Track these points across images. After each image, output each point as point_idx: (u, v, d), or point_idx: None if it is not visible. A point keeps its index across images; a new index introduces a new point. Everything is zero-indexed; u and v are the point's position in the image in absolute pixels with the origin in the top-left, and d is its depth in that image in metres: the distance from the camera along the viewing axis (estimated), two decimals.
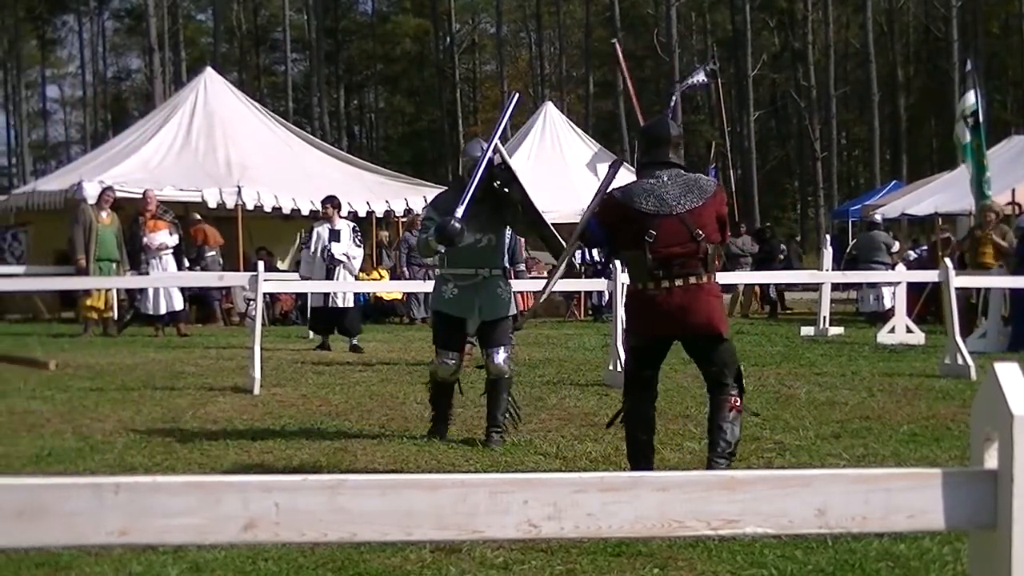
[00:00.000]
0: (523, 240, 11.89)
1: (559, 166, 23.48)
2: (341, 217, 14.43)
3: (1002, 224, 15.81)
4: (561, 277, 6.71)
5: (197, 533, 2.18)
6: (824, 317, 16.34)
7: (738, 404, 5.85)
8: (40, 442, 7.26)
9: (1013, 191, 18.95)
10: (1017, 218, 16.86)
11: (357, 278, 14.86)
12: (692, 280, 5.73)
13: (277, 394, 9.60)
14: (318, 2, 52.93)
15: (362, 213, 19.86)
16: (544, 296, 6.74)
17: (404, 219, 20.81)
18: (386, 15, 60.38)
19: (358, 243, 14.21)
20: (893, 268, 16.29)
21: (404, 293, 19.47)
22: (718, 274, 5.98)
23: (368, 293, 18.47)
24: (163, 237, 16.22)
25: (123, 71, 64.41)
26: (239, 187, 19.09)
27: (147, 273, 15.84)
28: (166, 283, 15.75)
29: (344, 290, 13.81)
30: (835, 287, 19.40)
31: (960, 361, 10.48)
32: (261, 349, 10.09)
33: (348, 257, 13.91)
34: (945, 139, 41.12)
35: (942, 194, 22.15)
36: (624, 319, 6.15)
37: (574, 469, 6.33)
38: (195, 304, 18.74)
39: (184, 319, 16.76)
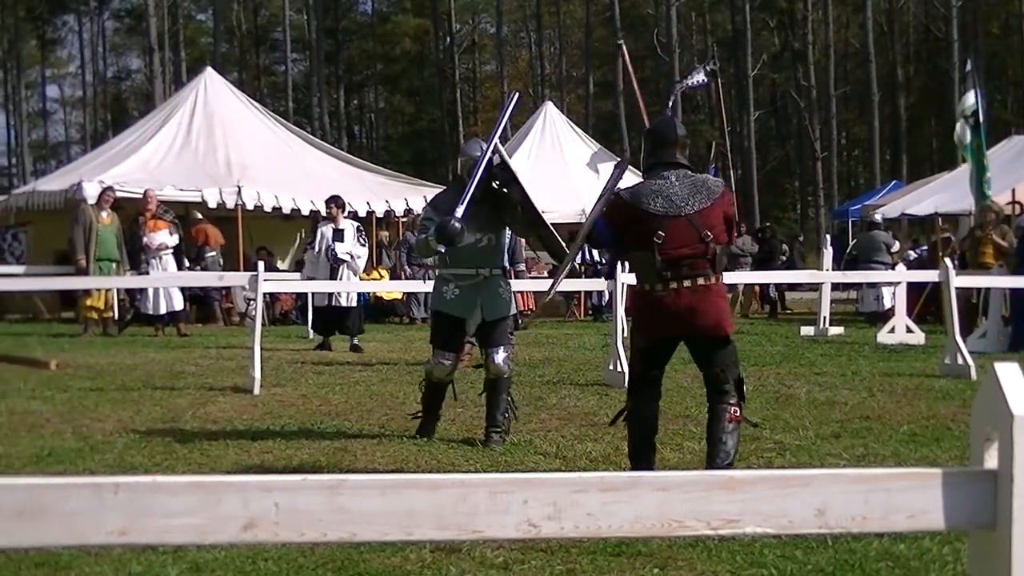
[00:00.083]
0: (523, 240, 11.89)
1: (559, 166, 23.48)
2: (345, 217, 14.44)
3: (1002, 224, 15.82)
4: (569, 277, 6.71)
5: (197, 533, 2.18)
6: (824, 317, 16.34)
7: (737, 415, 5.83)
8: (40, 442, 7.26)
9: (1013, 191, 18.95)
10: (1017, 218, 16.86)
11: (360, 278, 14.88)
12: (700, 281, 5.72)
13: (277, 394, 9.60)
14: (318, 2, 52.93)
15: (362, 213, 19.86)
16: (548, 296, 6.75)
17: (404, 219, 20.82)
18: (386, 15, 60.38)
19: (362, 242, 14.22)
20: (893, 268, 16.29)
21: (404, 293, 19.48)
22: None
23: (368, 293, 18.49)
24: (163, 237, 16.22)
25: (123, 71, 64.47)
26: (239, 187, 19.10)
27: (147, 273, 15.85)
28: (166, 283, 15.75)
29: (345, 290, 13.81)
30: (835, 287, 19.41)
31: (960, 361, 10.48)
32: (261, 349, 10.09)
33: (352, 256, 13.91)
34: (945, 139, 41.13)
35: (942, 194, 22.15)
36: (631, 319, 6.12)
37: (574, 469, 6.33)
38: (195, 304, 18.74)
39: (184, 319, 16.77)
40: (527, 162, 22.49)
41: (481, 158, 7.14)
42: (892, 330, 14.40)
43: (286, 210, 19.99)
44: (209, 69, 23.24)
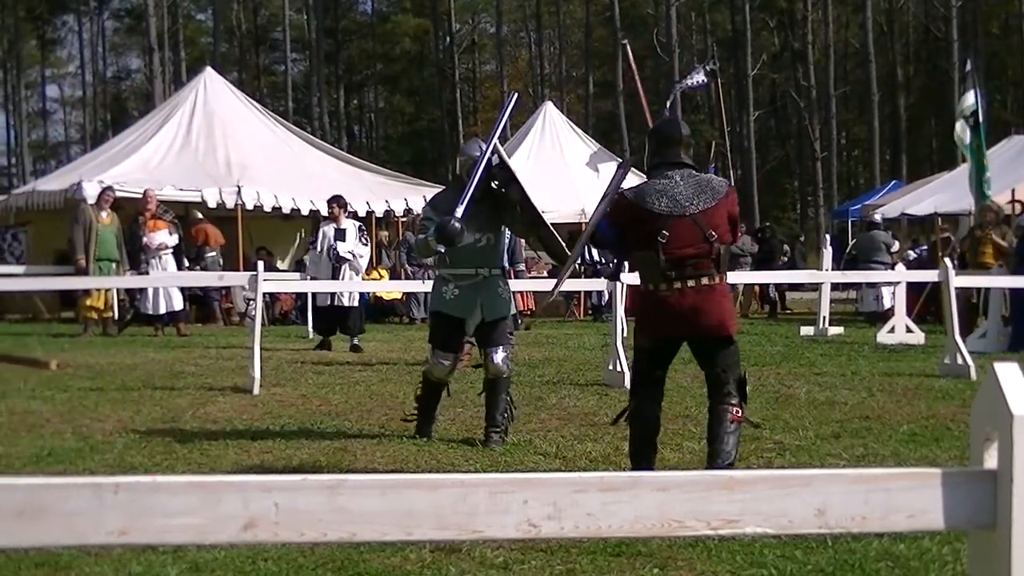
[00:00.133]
0: (523, 240, 11.88)
1: (559, 166, 23.48)
2: (347, 216, 14.44)
3: (1002, 224, 15.82)
4: (576, 277, 6.70)
5: (197, 533, 2.18)
6: (824, 317, 16.34)
7: (739, 415, 5.82)
8: (40, 442, 7.26)
9: (1013, 191, 18.95)
10: (1017, 218, 16.86)
11: (362, 278, 14.89)
12: (704, 281, 5.70)
13: (277, 394, 9.60)
14: (318, 2, 52.93)
15: (362, 213, 19.86)
16: (552, 296, 6.75)
17: (404, 219, 20.82)
18: (386, 15, 60.38)
19: (364, 242, 14.22)
20: (893, 268, 16.29)
21: (404, 293, 19.47)
22: None
23: (368, 293, 18.49)
24: (163, 237, 16.22)
25: (123, 71, 64.47)
26: (239, 187, 19.10)
27: (147, 273, 15.85)
28: (166, 283, 15.75)
29: (346, 290, 13.80)
30: (835, 287, 19.41)
31: (960, 361, 10.48)
32: (261, 349, 10.09)
33: (354, 255, 13.91)
34: (945, 139, 41.16)
35: (942, 194, 22.15)
36: (635, 319, 6.10)
37: (574, 469, 6.33)
38: (195, 304, 18.75)
39: (184, 319, 16.77)
40: (527, 162, 22.49)
41: (480, 158, 7.13)
42: (892, 330, 14.40)
43: (286, 210, 19.99)
44: (209, 69, 23.25)
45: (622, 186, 6.07)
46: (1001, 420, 2.29)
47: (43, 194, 19.85)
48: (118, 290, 16.89)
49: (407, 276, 18.76)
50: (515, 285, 11.64)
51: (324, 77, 54.11)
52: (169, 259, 16.29)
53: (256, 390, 9.56)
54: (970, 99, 16.29)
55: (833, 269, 17.89)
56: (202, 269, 17.76)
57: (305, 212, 19.99)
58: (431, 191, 19.40)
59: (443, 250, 7.19)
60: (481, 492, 2.23)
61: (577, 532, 2.27)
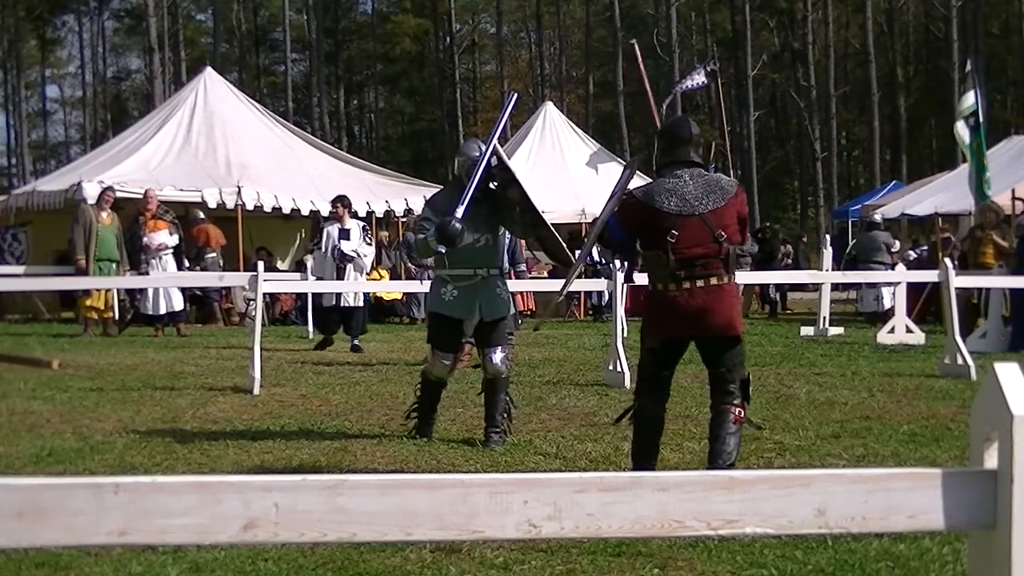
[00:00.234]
0: (523, 240, 11.88)
1: (559, 166, 23.48)
2: (351, 216, 14.43)
3: (1003, 224, 15.82)
4: (578, 277, 6.67)
5: (197, 533, 2.18)
6: (824, 317, 16.33)
7: (741, 416, 5.80)
8: (40, 442, 7.26)
9: (1013, 191, 18.96)
10: (1018, 218, 16.87)
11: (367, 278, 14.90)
12: (713, 281, 5.68)
13: (277, 394, 9.60)
14: (318, 2, 52.94)
15: (362, 213, 19.85)
16: (560, 296, 6.75)
17: (404, 219, 20.81)
18: (386, 15, 60.36)
19: (368, 241, 14.23)
20: (893, 268, 16.29)
21: (404, 293, 19.47)
22: None
23: (369, 293, 18.49)
24: (163, 237, 16.23)
25: (123, 71, 64.47)
26: (239, 187, 19.11)
27: (147, 273, 15.85)
28: (166, 283, 15.75)
29: (347, 290, 13.80)
30: (835, 287, 19.40)
31: (960, 361, 10.48)
32: (261, 349, 10.08)
33: (358, 255, 13.91)
34: (945, 139, 41.16)
35: (942, 194, 22.15)
36: (642, 319, 6.08)
37: (574, 469, 6.33)
38: (195, 304, 18.75)
39: (184, 319, 16.77)
40: (527, 162, 22.49)
41: (480, 159, 7.12)
42: (892, 330, 14.40)
43: (286, 210, 19.99)
44: (209, 69, 23.25)
45: (629, 186, 6.06)
46: (1001, 420, 2.30)
47: (43, 194, 19.85)
48: (118, 290, 16.89)
49: (408, 276, 18.75)
50: (516, 285, 11.65)
51: (324, 77, 54.12)
52: (169, 259, 16.30)
53: (256, 390, 9.56)
54: (970, 99, 16.29)
55: (833, 269, 17.89)
56: (202, 270, 17.76)
57: (305, 212, 19.99)
58: (431, 191, 19.36)
59: (443, 251, 7.18)
60: (481, 492, 2.23)
61: (577, 532, 2.27)
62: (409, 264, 19.21)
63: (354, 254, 13.83)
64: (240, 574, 4.48)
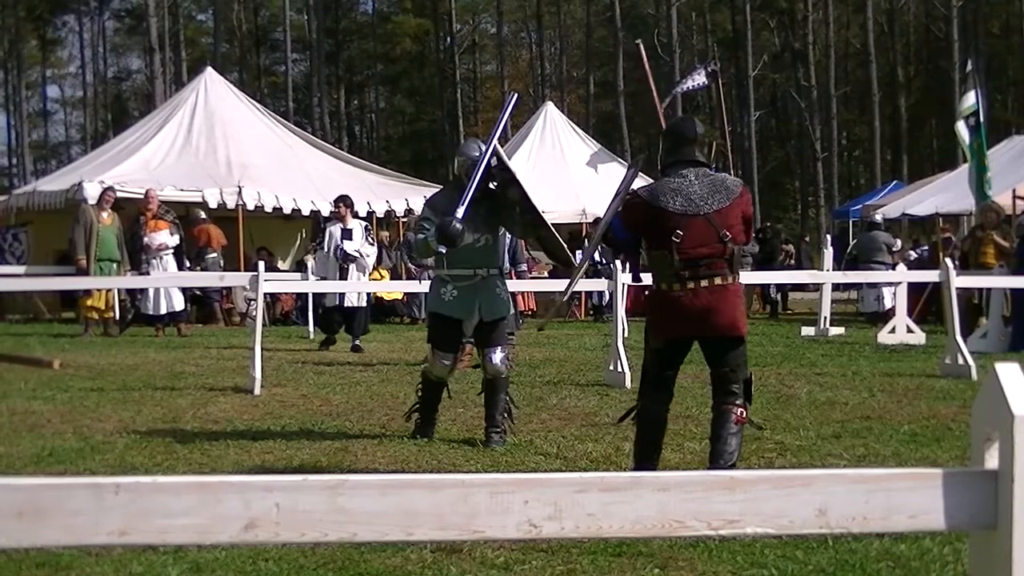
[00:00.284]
0: (523, 240, 11.89)
1: (559, 166, 23.49)
2: (353, 216, 14.43)
3: (1004, 224, 15.82)
4: (582, 277, 6.65)
5: (198, 533, 2.18)
6: (825, 317, 16.33)
7: (743, 417, 5.79)
8: (41, 442, 7.26)
9: (1014, 191, 18.96)
10: (1018, 217, 16.87)
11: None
12: (717, 281, 5.67)
13: (278, 394, 9.60)
14: (318, 2, 52.93)
15: (363, 213, 19.86)
16: (565, 296, 6.75)
17: (405, 219, 20.81)
18: (387, 15, 60.36)
19: (371, 241, 14.23)
20: (894, 268, 16.29)
21: (405, 293, 19.47)
22: None
23: (370, 293, 18.49)
24: (163, 237, 16.23)
25: (123, 71, 64.48)
26: (239, 187, 19.11)
27: (147, 273, 15.85)
28: (167, 283, 15.75)
29: (347, 290, 13.80)
30: (836, 287, 19.41)
31: (961, 361, 10.47)
32: (262, 349, 10.09)
33: (361, 254, 13.91)
34: (945, 139, 41.15)
35: (943, 194, 22.15)
36: (645, 319, 6.06)
37: (575, 469, 6.33)
38: (196, 304, 18.75)
39: (185, 319, 16.78)
40: (527, 162, 22.50)
41: (480, 159, 7.12)
42: (893, 330, 14.40)
43: (287, 210, 19.99)
44: (209, 69, 23.25)
45: (633, 186, 6.05)
46: (1002, 420, 2.29)
47: (44, 194, 19.85)
48: (119, 290, 16.89)
49: (409, 276, 18.75)
50: (517, 285, 11.64)
51: (325, 77, 54.13)
52: (170, 259, 16.30)
53: (257, 390, 9.56)
54: (971, 99, 16.29)
55: (834, 269, 17.89)
56: (202, 270, 17.77)
57: (306, 212, 20.00)
58: (432, 191, 19.38)
59: (444, 251, 7.18)
60: (482, 492, 2.23)
61: (578, 532, 2.27)
62: (409, 264, 19.21)
63: (357, 254, 13.83)
64: (241, 574, 4.48)
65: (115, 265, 15.89)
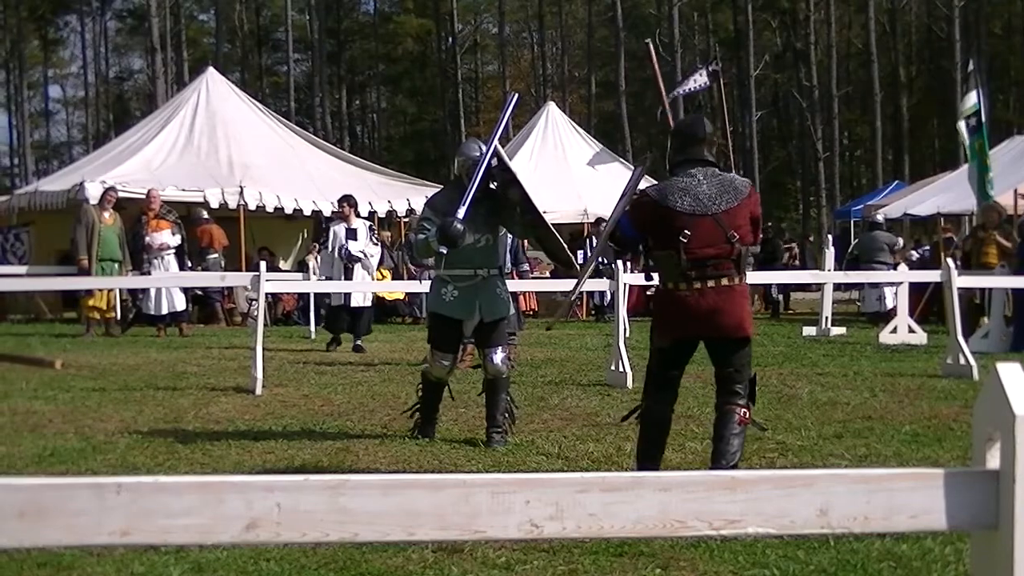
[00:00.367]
0: (525, 240, 11.88)
1: (561, 167, 23.49)
2: (357, 216, 14.44)
3: (1005, 224, 15.81)
4: (590, 277, 6.63)
5: (199, 533, 2.18)
6: (826, 317, 16.32)
7: (746, 417, 5.78)
8: (42, 442, 7.27)
9: (1016, 191, 18.95)
10: (1020, 217, 16.86)
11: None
12: (724, 281, 5.65)
13: (279, 394, 9.60)
14: (320, 2, 52.94)
15: (364, 213, 19.86)
16: (572, 296, 6.75)
17: (406, 219, 20.81)
18: (388, 15, 60.35)
19: (375, 241, 14.24)
20: (895, 268, 16.29)
21: (406, 293, 19.47)
22: None
23: (372, 293, 18.48)
24: (165, 237, 16.23)
25: (125, 71, 64.47)
26: (241, 187, 19.11)
27: (149, 273, 15.86)
28: (168, 283, 15.76)
29: (348, 291, 13.79)
30: (837, 287, 19.40)
31: (962, 361, 10.47)
32: (263, 349, 10.09)
33: (365, 255, 13.91)
34: (947, 139, 41.15)
35: (944, 194, 22.14)
36: (651, 319, 6.05)
37: (576, 469, 6.32)
38: (197, 304, 18.75)
39: (186, 319, 16.78)
40: (529, 162, 22.50)
41: (481, 159, 7.12)
42: (894, 330, 14.40)
43: (288, 210, 19.99)
44: (211, 69, 23.26)
45: (640, 185, 6.04)
46: (1003, 420, 2.29)
47: (46, 194, 19.86)
48: (121, 290, 16.89)
49: (410, 276, 18.75)
50: (519, 286, 11.63)
51: (326, 77, 54.13)
52: (171, 259, 16.30)
53: (258, 390, 9.57)
54: (972, 99, 16.29)
55: (836, 269, 17.88)
56: (204, 270, 17.77)
57: (307, 212, 20.00)
58: (433, 191, 19.37)
59: (444, 251, 7.17)
60: (483, 492, 2.23)
61: (579, 532, 2.27)
62: (410, 264, 19.21)
63: (361, 255, 13.83)
64: (242, 574, 4.49)
65: (117, 265, 15.90)
